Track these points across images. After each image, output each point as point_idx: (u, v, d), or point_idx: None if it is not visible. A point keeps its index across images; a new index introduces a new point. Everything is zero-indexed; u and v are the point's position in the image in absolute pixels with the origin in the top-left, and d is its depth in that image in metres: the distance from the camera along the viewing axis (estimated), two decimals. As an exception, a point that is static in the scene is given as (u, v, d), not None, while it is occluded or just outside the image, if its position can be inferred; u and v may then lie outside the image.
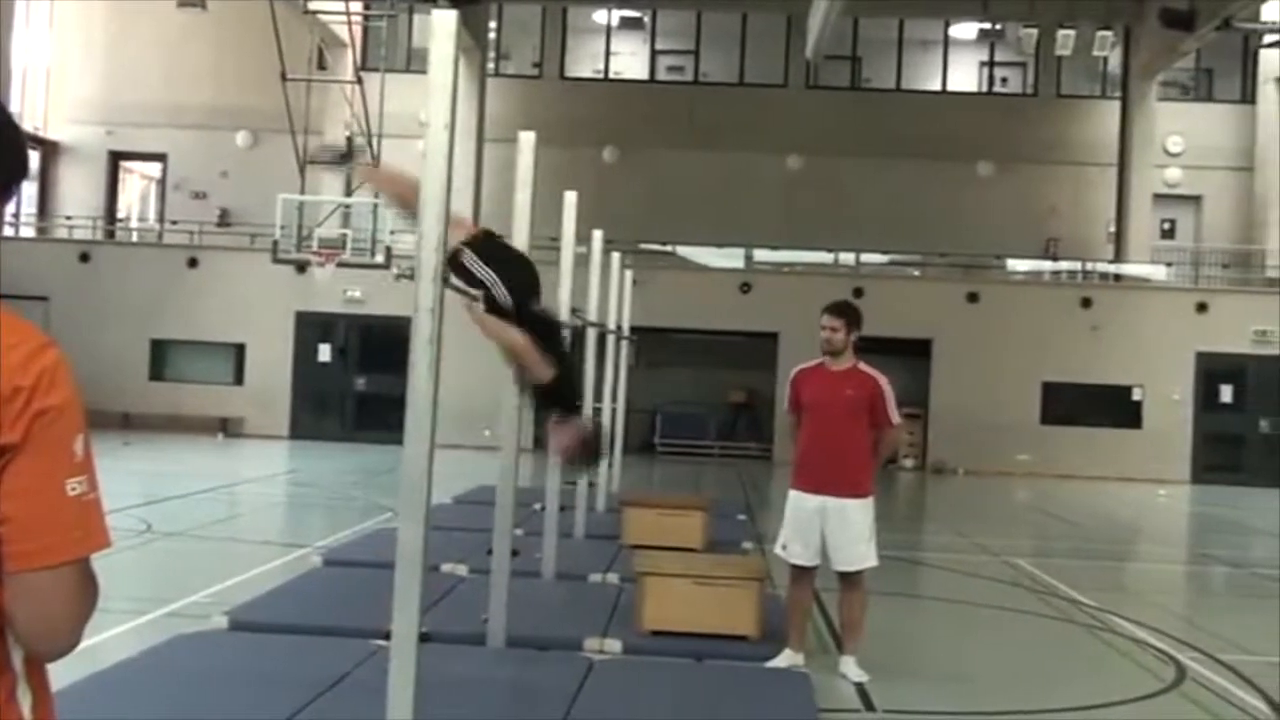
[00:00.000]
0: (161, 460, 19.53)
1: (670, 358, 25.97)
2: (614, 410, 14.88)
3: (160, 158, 29.32)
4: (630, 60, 30.49)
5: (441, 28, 4.58)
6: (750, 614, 7.42)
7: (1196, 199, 29.05)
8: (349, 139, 5.31)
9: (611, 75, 30.15)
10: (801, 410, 7.27)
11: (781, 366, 22.21)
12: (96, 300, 24.98)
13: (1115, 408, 25.28)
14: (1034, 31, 25.15)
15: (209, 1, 25.28)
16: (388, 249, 22.49)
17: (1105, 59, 27.32)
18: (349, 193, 24.89)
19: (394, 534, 4.76)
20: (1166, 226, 29.07)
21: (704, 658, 7.10)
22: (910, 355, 24.41)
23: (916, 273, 28.14)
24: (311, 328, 25.60)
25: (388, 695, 4.34)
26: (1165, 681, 7.52)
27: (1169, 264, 27.85)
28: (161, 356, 25.85)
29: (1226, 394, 25.37)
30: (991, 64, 30.37)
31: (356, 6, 24.78)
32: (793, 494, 7.25)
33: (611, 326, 14.02)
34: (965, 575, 11.64)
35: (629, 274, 15.07)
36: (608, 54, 30.17)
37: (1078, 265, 27.99)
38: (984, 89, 30.23)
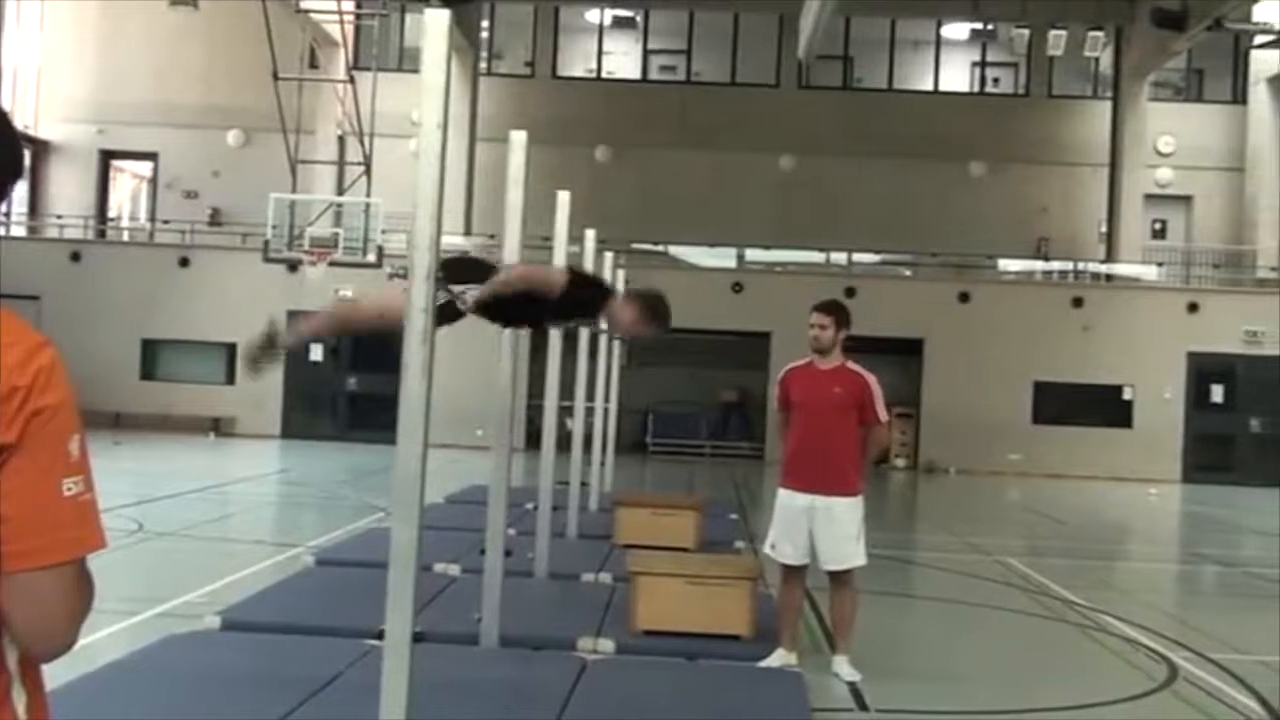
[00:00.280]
0: (153, 460, 19.49)
1: (662, 357, 25.95)
2: (605, 410, 14.88)
3: (151, 157, 29.26)
4: (622, 60, 30.50)
5: (435, 27, 4.56)
6: (743, 613, 7.42)
7: (1187, 199, 29.12)
8: (271, 324, 5.06)
9: (604, 75, 30.15)
10: (790, 409, 7.28)
11: (773, 366, 22.19)
12: (87, 300, 24.92)
13: (1106, 407, 25.33)
14: (1025, 32, 25.18)
15: (200, 0, 25.24)
16: (380, 248, 22.51)
17: (1096, 59, 27.39)
18: (340, 192, 24.90)
19: (386, 533, 4.76)
20: (1157, 226, 29.12)
21: (697, 657, 7.09)
22: (902, 355, 24.46)
23: (908, 272, 28.17)
24: (303, 327, 25.53)
25: (381, 695, 4.32)
26: (1157, 681, 7.53)
27: (1160, 264, 27.90)
28: (153, 356, 25.81)
29: (1217, 394, 25.45)
30: (983, 64, 30.40)
31: (348, 6, 24.76)
32: (782, 493, 7.26)
33: (603, 326, 13.99)
34: (957, 575, 11.66)
35: (621, 273, 15.05)
36: (600, 53, 30.18)
37: (1069, 265, 28.04)
38: (976, 89, 30.26)
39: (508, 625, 6.96)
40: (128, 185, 31.06)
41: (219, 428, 24.87)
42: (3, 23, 26.74)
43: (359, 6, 25.50)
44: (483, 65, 28.86)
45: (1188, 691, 7.31)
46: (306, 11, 23.70)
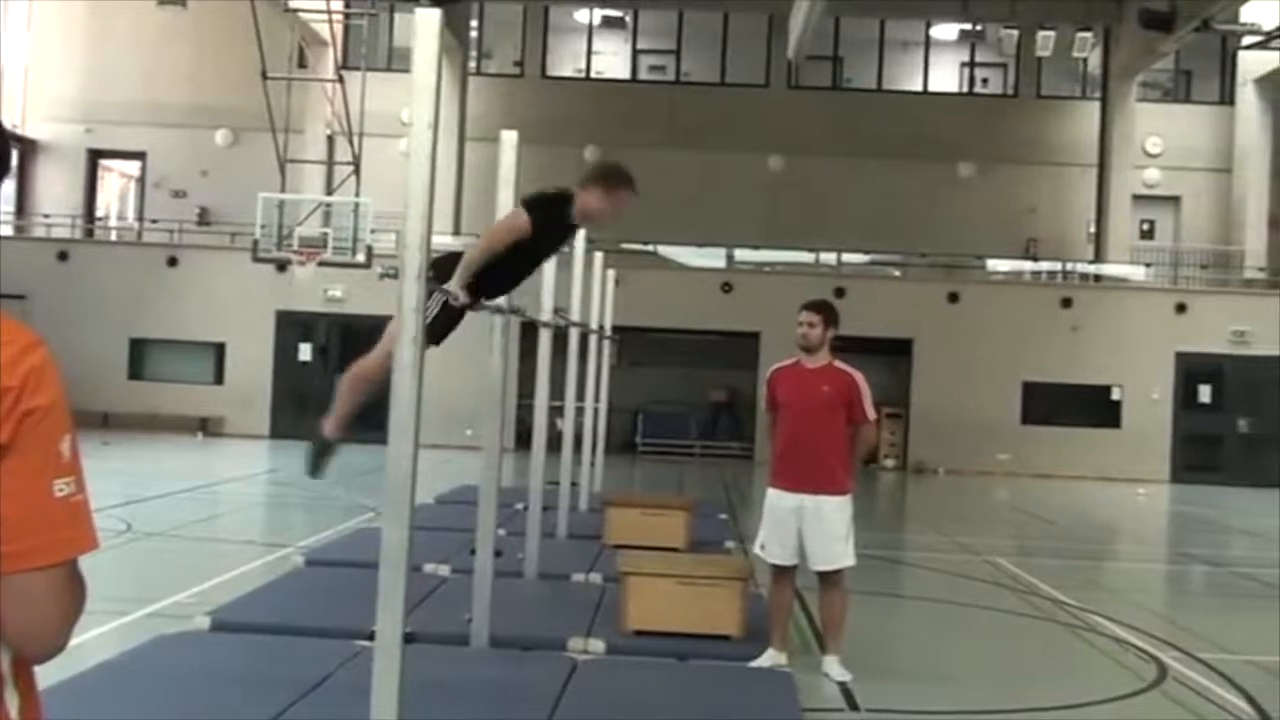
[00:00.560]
0: (141, 460, 19.44)
1: (652, 357, 25.98)
2: (595, 410, 14.88)
3: (140, 156, 29.17)
4: (612, 60, 30.49)
5: (425, 27, 4.55)
6: (733, 614, 7.42)
7: (1175, 200, 29.19)
8: (316, 437, 5.06)
9: (593, 74, 30.14)
10: (778, 409, 7.27)
11: (763, 366, 22.18)
12: (75, 299, 24.83)
13: (1095, 407, 25.39)
14: (1014, 32, 25.23)
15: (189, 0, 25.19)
16: (369, 248, 22.48)
17: (1085, 60, 27.45)
18: (329, 192, 24.86)
19: (376, 533, 4.75)
20: (1146, 227, 29.19)
21: (687, 657, 7.09)
22: (891, 355, 24.50)
23: (897, 273, 28.19)
24: (292, 327, 25.53)
25: (372, 696, 4.32)
26: (1146, 680, 7.54)
27: (1148, 264, 27.97)
28: (141, 356, 25.74)
29: (1205, 394, 25.51)
30: (972, 65, 30.44)
31: (337, 5, 24.72)
32: (771, 493, 7.25)
33: (594, 326, 14.01)
34: (947, 575, 11.67)
35: (611, 273, 15.05)
36: (589, 53, 30.15)
37: (1058, 265, 28.08)
38: (964, 90, 30.30)
39: (498, 626, 6.95)
40: (116, 185, 30.97)
41: (207, 427, 24.81)
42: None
43: (348, 6, 25.45)
44: (472, 65, 28.84)
45: (1177, 691, 7.33)
46: (295, 11, 23.65)
